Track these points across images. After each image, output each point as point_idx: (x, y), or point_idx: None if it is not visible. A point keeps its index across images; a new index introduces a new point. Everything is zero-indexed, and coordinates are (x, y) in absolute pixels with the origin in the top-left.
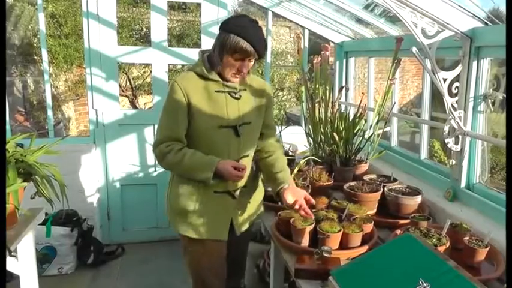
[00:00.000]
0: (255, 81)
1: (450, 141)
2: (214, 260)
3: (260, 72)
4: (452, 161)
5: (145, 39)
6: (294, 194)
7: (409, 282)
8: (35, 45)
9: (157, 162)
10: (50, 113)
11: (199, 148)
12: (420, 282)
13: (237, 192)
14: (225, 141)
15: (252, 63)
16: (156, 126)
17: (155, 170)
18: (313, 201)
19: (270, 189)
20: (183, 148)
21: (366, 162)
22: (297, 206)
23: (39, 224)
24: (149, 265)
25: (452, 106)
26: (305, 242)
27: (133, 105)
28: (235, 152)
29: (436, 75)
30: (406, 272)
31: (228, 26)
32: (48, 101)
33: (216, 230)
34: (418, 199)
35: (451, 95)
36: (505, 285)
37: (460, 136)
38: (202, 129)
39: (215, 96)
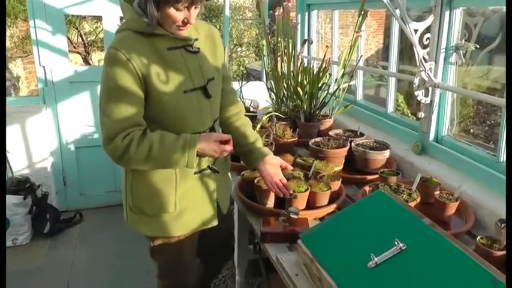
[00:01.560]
0: (201, 27)
1: (420, 94)
2: (194, 246)
3: (218, 27)
4: (421, 114)
5: None
6: (271, 167)
7: (383, 242)
8: None
9: (113, 161)
10: None
11: (165, 125)
12: (395, 243)
13: (216, 164)
14: (196, 107)
15: (198, 9)
16: None
17: None
18: (290, 167)
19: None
20: (146, 133)
21: (330, 117)
22: (277, 183)
23: None
24: (110, 231)
25: (423, 58)
26: (270, 203)
27: (87, 62)
28: (209, 117)
29: (407, 25)
30: (380, 232)
31: None
32: None
33: (206, 217)
34: (387, 154)
35: (422, 46)
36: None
37: (430, 88)
38: (164, 101)
39: (169, 56)
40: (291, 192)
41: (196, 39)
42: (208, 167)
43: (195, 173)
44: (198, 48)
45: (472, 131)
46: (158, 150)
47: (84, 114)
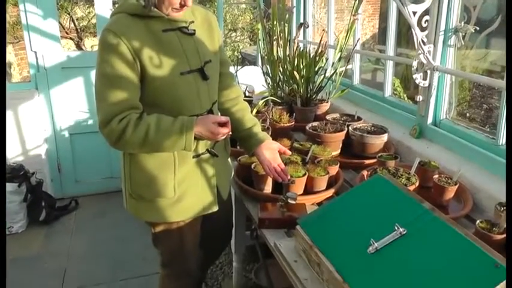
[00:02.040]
0: (198, 11)
1: (418, 77)
2: (197, 234)
3: (212, 12)
4: (420, 97)
5: None
6: (269, 152)
7: (383, 227)
8: None
9: (109, 144)
10: None
11: (162, 108)
12: (396, 228)
13: (215, 148)
14: (193, 90)
15: None
16: None
17: None
18: (288, 152)
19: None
20: (142, 116)
21: (327, 102)
22: (276, 168)
23: None
24: (106, 218)
25: (422, 40)
26: (268, 188)
27: (79, 48)
28: (207, 100)
29: (405, 8)
30: (380, 217)
31: None
32: None
33: (206, 202)
34: (384, 138)
35: (420, 29)
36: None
37: (428, 71)
38: (160, 83)
39: (165, 38)
40: (289, 177)
41: (192, 22)
42: (207, 150)
43: (193, 157)
44: (194, 31)
45: (468, 114)
46: (155, 133)
47: (77, 101)
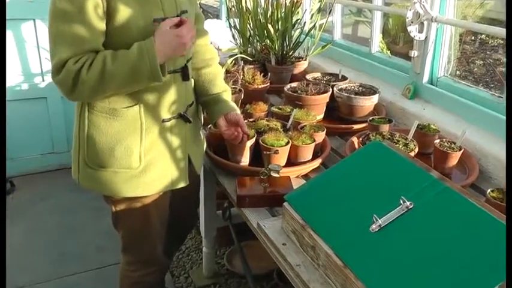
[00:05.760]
0: None
1: (413, 30)
2: (164, 213)
3: None
4: (414, 53)
5: None
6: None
7: (386, 201)
8: None
9: (65, 93)
10: None
11: None
12: (401, 201)
13: (188, 113)
14: None
15: None
16: (38, 22)
17: (43, 80)
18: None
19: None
20: (98, 54)
21: (305, 59)
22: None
23: None
24: (49, 202)
25: None
26: (245, 160)
27: None
28: None
29: None
30: (381, 189)
31: None
32: None
33: (175, 175)
34: (375, 99)
35: None
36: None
37: (425, 22)
38: (130, 29)
39: None
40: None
41: None
42: (180, 114)
43: (163, 121)
44: None
45: (458, 72)
46: (112, 62)
47: (7, 61)
